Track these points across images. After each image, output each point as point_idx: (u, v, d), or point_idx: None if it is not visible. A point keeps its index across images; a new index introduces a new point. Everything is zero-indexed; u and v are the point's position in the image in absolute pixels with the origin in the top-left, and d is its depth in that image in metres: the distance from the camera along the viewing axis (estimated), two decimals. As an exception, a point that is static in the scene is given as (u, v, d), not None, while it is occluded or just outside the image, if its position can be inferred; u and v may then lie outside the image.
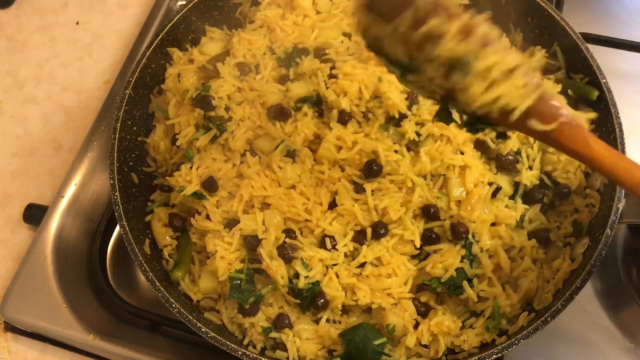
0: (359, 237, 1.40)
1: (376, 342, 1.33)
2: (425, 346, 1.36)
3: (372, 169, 1.41)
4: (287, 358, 1.35)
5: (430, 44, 1.02)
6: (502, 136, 1.19)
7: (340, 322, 1.40)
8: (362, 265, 1.38)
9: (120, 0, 2.18)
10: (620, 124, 1.46)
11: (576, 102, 1.58)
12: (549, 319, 1.27)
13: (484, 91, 1.02)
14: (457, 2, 1.04)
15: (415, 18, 1.02)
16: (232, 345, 1.29)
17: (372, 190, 1.41)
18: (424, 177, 1.43)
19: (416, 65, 1.08)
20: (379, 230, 1.38)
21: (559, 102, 1.04)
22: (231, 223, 1.42)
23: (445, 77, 1.05)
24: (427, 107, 1.47)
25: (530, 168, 1.48)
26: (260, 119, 1.50)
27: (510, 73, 1.01)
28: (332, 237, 1.41)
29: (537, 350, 1.49)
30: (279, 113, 1.49)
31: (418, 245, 1.39)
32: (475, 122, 1.11)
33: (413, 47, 1.05)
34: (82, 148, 1.80)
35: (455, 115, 1.15)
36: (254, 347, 1.40)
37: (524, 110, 1.02)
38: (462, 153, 1.44)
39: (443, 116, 1.16)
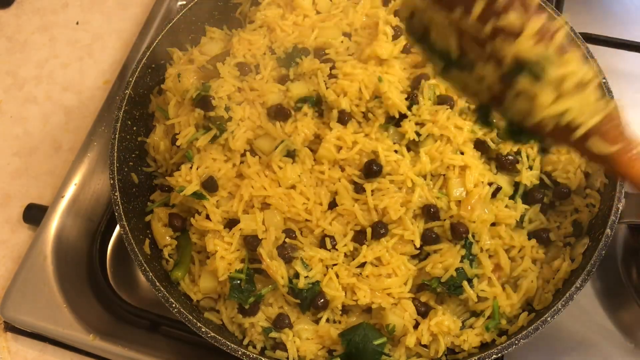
0: (359, 237, 1.40)
1: (376, 342, 1.33)
2: (425, 346, 1.36)
3: (372, 169, 1.41)
4: (287, 358, 1.35)
5: (500, 40, 0.91)
6: (544, 151, 1.07)
7: (340, 322, 1.40)
8: (362, 265, 1.38)
9: (120, 0, 2.18)
10: (620, 124, 1.46)
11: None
12: (549, 319, 1.28)
13: (552, 102, 0.92)
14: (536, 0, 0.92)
15: (487, 10, 0.91)
16: (232, 345, 1.29)
17: (372, 190, 1.41)
18: (424, 177, 1.43)
19: (467, 61, 0.98)
20: (379, 230, 1.38)
21: (624, 124, 0.95)
22: (231, 223, 1.42)
23: (501, 80, 0.95)
24: (427, 107, 1.47)
25: (530, 168, 1.48)
26: (260, 119, 1.50)
27: (583, 86, 0.92)
28: (332, 237, 1.41)
29: (537, 350, 1.49)
30: (279, 113, 1.49)
31: (418, 245, 1.39)
32: (520, 132, 1.01)
33: (470, 41, 0.95)
34: (82, 148, 1.80)
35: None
36: (254, 347, 1.40)
37: (590, 127, 0.93)
38: (462, 153, 1.44)
39: (483, 122, 1.07)
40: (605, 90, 0.95)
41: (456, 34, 0.96)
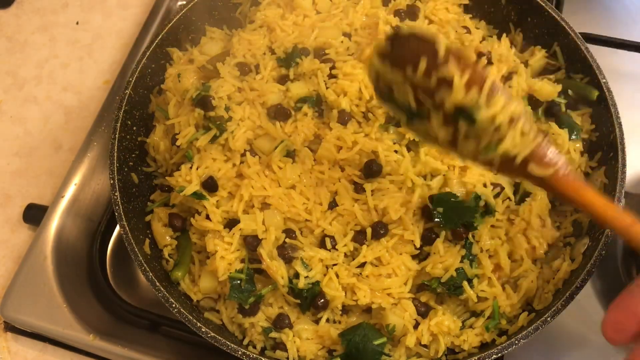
0: (359, 237, 1.40)
1: (376, 342, 1.33)
2: (425, 346, 1.36)
3: (372, 169, 1.41)
4: (287, 358, 1.35)
5: (441, 92, 1.09)
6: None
7: (340, 322, 1.40)
8: (362, 265, 1.38)
9: (120, 0, 2.18)
10: (620, 124, 1.46)
11: (576, 102, 1.58)
12: (549, 319, 1.28)
13: (486, 143, 1.09)
14: (469, 53, 1.15)
15: (430, 66, 1.08)
16: (232, 345, 1.29)
17: (372, 190, 1.41)
18: (424, 177, 1.43)
19: (424, 112, 1.14)
20: (379, 230, 1.38)
21: (556, 150, 1.10)
22: (231, 223, 1.42)
23: (448, 125, 1.12)
24: (427, 107, 1.47)
25: (530, 168, 1.48)
26: (260, 119, 1.50)
27: (514, 121, 1.07)
28: (332, 237, 1.41)
29: (537, 350, 1.49)
30: (279, 113, 1.49)
31: (418, 245, 1.39)
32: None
33: (423, 94, 1.12)
34: (82, 148, 1.80)
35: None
36: (254, 347, 1.40)
37: (525, 156, 1.09)
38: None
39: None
40: (533, 121, 1.16)
41: (412, 89, 1.13)
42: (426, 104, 1.13)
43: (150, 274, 1.37)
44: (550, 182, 1.10)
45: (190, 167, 1.47)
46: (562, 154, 1.11)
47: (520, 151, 1.09)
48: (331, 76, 1.52)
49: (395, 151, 1.44)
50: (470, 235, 1.38)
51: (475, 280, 1.37)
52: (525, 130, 1.08)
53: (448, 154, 1.27)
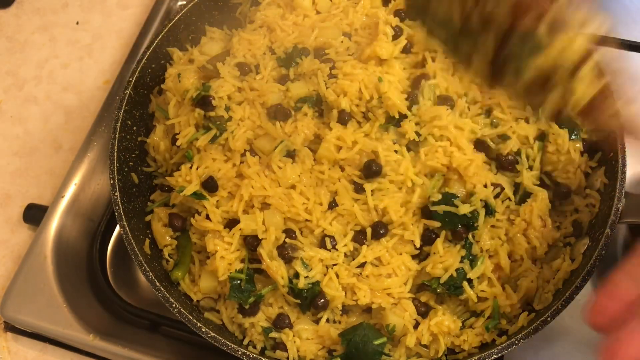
0: (359, 237, 1.40)
1: (376, 342, 1.33)
2: (425, 346, 1.36)
3: (372, 169, 1.41)
4: (287, 358, 1.35)
5: (496, 5, 0.88)
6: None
7: (340, 322, 1.40)
8: (362, 265, 1.38)
9: (120, 0, 2.18)
10: (620, 124, 1.46)
11: (576, 102, 1.57)
12: (549, 319, 1.28)
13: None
14: None
15: None
16: (232, 345, 1.29)
17: (372, 190, 1.41)
18: (425, 176, 1.43)
19: (470, 30, 0.94)
20: (379, 230, 1.38)
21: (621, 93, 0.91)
22: (231, 223, 1.42)
23: (504, 50, 0.91)
24: (427, 108, 1.47)
25: (531, 168, 1.48)
26: (260, 119, 1.50)
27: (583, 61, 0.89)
28: (332, 237, 1.40)
29: (537, 350, 1.49)
30: (279, 113, 1.49)
31: (418, 245, 1.39)
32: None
33: (471, 5, 0.91)
34: (82, 148, 1.80)
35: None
36: (254, 347, 1.40)
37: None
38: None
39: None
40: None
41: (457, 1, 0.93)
42: (475, 19, 0.92)
43: (150, 274, 1.37)
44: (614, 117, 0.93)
45: (190, 167, 1.47)
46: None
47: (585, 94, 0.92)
48: (331, 76, 1.51)
49: (395, 151, 1.44)
50: (470, 235, 1.38)
51: (475, 281, 1.37)
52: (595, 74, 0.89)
53: (493, 88, 1.04)
